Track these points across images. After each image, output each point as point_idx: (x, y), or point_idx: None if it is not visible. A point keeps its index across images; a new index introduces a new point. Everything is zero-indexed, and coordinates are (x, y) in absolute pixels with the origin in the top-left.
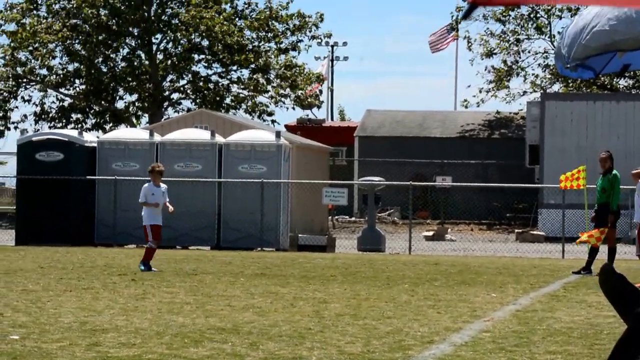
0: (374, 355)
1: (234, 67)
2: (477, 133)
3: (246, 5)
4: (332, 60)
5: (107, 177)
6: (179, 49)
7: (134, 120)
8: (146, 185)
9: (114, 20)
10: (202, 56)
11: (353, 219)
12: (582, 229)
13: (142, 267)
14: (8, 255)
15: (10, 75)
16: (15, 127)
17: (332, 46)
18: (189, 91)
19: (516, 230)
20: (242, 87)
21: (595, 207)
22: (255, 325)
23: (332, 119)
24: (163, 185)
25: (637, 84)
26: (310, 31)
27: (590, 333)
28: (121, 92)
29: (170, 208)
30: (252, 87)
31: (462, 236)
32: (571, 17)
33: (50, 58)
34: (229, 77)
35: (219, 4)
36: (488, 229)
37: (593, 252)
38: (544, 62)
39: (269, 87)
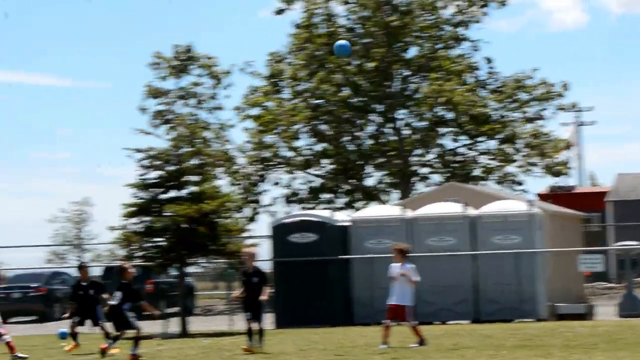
0: None
1: (481, 138)
2: None
3: (489, 75)
4: (578, 126)
5: (362, 256)
6: (425, 123)
7: (384, 197)
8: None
9: (356, 98)
10: (448, 129)
11: (610, 284)
12: None
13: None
14: (268, 339)
15: (258, 159)
16: (266, 211)
17: (578, 111)
18: (436, 165)
19: None
20: (490, 157)
21: None
22: None
23: (582, 185)
24: (407, 265)
25: None
26: (554, 99)
27: None
28: (369, 169)
29: None
30: (500, 157)
31: None
32: None
33: (296, 139)
34: (476, 148)
35: (460, 76)
36: None
37: None
38: None
39: (518, 157)
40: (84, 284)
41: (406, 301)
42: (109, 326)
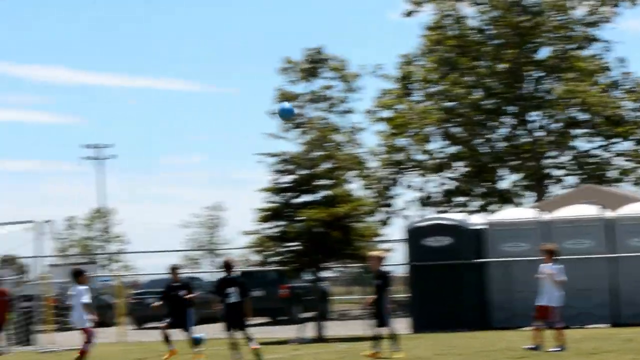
0: None
1: (616, 140)
2: None
3: (622, 75)
4: None
5: (498, 259)
6: (558, 124)
7: (519, 200)
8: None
9: (488, 100)
10: (582, 130)
11: None
12: None
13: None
14: (405, 344)
15: (390, 162)
16: (399, 215)
17: None
18: (571, 167)
19: None
20: (626, 159)
21: None
22: None
23: None
24: (555, 265)
25: None
26: None
27: None
28: (503, 171)
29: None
30: (636, 159)
31: None
32: None
33: (428, 142)
34: (611, 149)
35: (593, 76)
36: None
37: None
38: None
39: None
40: (176, 284)
41: (554, 302)
42: (196, 330)
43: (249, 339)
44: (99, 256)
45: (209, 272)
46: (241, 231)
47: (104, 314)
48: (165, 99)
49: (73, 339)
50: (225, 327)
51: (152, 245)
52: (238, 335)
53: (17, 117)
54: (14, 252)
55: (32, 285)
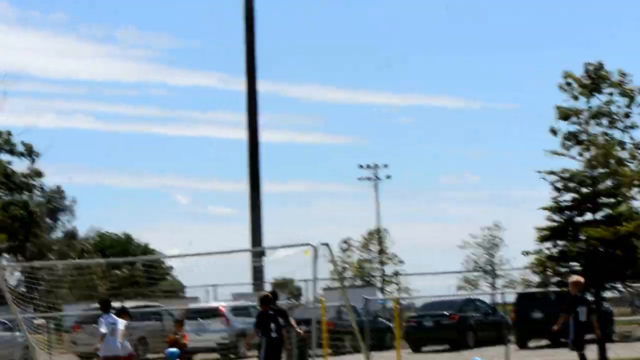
0: None
1: None
2: None
3: None
4: None
5: None
6: None
7: None
8: None
9: None
10: None
11: None
12: None
13: None
14: None
15: None
16: None
17: None
18: None
19: None
20: None
21: None
22: None
23: None
24: None
25: None
26: None
27: None
28: None
29: None
30: None
31: None
32: None
33: None
34: None
35: None
36: None
37: None
38: None
39: None
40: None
41: None
42: None
43: None
44: (375, 278)
45: (488, 293)
46: (521, 251)
47: (381, 338)
48: (442, 117)
49: None
50: None
51: (429, 266)
52: None
53: (291, 138)
54: (290, 276)
55: (307, 309)
